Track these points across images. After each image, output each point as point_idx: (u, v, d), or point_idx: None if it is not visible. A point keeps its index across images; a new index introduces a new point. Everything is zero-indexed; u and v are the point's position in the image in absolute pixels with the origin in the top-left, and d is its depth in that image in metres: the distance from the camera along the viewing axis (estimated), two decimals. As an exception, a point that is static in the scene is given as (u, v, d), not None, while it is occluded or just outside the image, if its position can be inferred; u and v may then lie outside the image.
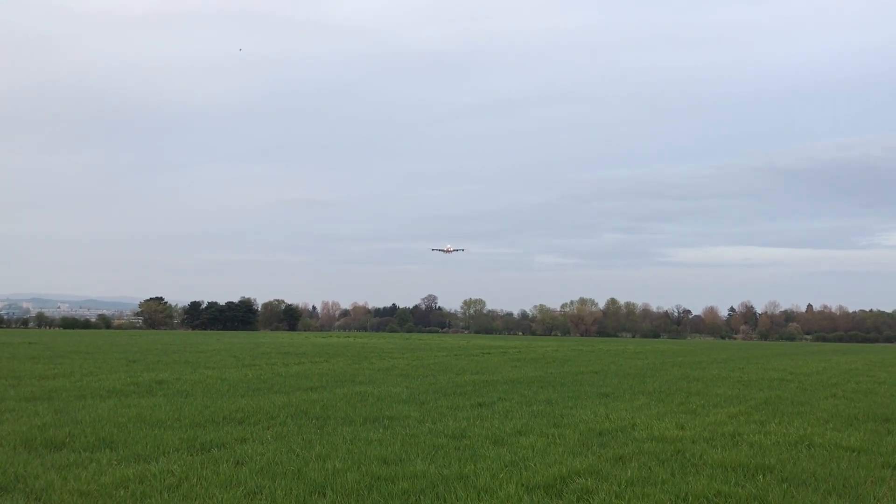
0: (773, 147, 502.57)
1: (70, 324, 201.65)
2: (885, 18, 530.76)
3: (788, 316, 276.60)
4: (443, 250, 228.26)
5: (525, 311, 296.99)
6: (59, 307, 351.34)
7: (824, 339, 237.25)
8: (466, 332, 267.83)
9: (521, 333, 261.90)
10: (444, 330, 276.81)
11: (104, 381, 27.21)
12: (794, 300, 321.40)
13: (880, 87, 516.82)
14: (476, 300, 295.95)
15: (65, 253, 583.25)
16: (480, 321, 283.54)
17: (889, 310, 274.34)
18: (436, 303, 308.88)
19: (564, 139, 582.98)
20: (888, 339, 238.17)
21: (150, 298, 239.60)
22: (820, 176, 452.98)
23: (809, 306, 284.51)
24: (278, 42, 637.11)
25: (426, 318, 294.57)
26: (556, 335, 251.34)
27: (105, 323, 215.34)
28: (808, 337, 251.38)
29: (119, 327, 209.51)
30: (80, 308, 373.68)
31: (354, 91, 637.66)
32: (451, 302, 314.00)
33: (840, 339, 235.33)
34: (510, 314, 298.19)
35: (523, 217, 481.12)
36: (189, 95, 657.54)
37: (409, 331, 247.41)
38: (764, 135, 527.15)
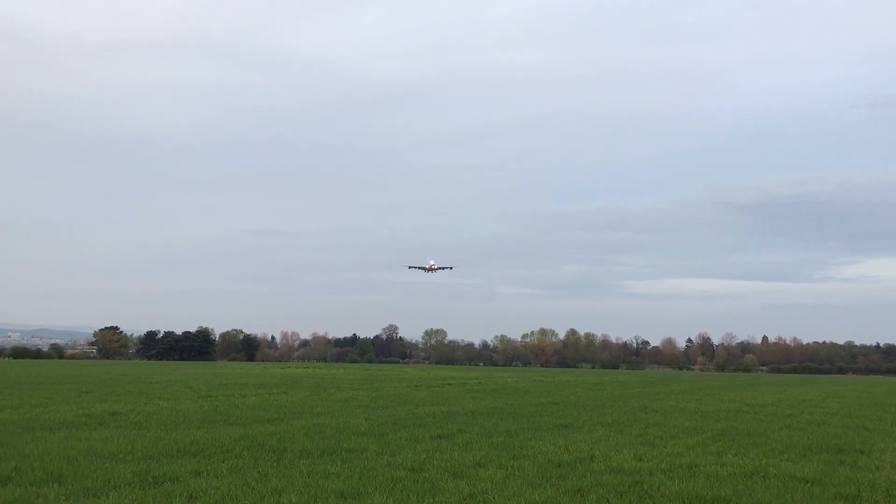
0: (730, 182, 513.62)
1: (21, 353, 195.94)
2: (835, 58, 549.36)
3: (744, 347, 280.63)
4: (423, 268, 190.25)
5: (486, 341, 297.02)
6: (9, 336, 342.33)
7: (779, 371, 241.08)
8: (427, 362, 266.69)
9: (482, 364, 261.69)
10: (405, 360, 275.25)
11: (55, 413, 26.55)
12: (751, 332, 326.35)
13: (831, 125, 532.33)
14: (437, 330, 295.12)
15: (16, 280, 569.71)
16: (441, 351, 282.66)
17: (841, 342, 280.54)
18: (397, 333, 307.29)
19: (526, 171, 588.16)
20: (840, 371, 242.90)
21: (105, 327, 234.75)
22: (775, 211, 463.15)
23: (765, 338, 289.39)
24: (242, 72, 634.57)
25: (387, 349, 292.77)
26: (516, 366, 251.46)
27: (58, 352, 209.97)
28: (764, 368, 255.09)
29: (72, 357, 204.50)
30: (32, 337, 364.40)
31: (317, 121, 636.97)
32: (412, 332, 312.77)
33: (794, 371, 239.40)
34: (471, 344, 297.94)
35: (485, 247, 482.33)
36: (149, 124, 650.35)
37: (370, 361, 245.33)
38: (721, 170, 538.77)
